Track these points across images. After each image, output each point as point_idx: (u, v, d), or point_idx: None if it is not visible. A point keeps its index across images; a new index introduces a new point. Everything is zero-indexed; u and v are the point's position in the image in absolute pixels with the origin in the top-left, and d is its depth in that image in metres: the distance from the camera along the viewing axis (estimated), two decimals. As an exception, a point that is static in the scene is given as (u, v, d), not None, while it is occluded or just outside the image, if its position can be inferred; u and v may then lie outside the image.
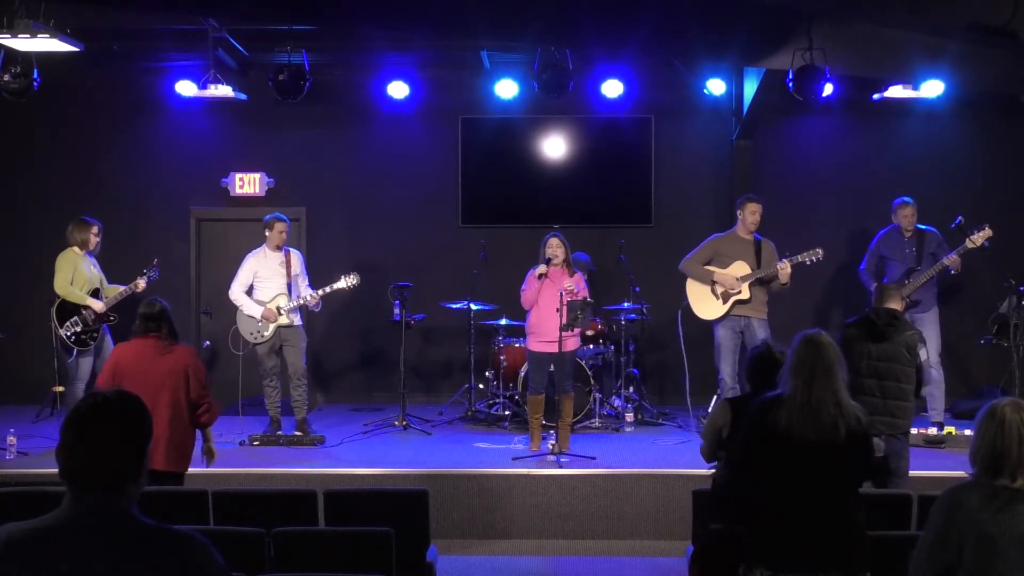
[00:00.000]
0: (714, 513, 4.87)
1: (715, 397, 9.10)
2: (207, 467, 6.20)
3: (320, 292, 8.51)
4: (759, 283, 8.22)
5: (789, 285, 8.16)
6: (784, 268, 8.02)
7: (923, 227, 8.66)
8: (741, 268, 8.24)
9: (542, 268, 7.88)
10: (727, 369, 8.19)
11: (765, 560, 3.90)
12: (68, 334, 8.29)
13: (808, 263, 8.10)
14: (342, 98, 10.40)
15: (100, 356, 8.42)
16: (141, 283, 8.44)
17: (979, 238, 8.13)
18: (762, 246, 8.32)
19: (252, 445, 8.22)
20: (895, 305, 6.32)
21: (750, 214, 8.31)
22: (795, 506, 3.87)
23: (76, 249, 8.43)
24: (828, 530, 3.86)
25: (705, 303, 8.36)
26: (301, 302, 8.50)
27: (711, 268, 8.33)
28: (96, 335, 8.38)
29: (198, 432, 6.01)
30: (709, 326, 8.40)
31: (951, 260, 8.27)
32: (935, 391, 8.56)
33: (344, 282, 8.54)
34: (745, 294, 8.21)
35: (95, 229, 8.52)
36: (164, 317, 5.81)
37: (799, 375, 3.89)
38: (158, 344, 5.75)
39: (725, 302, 8.25)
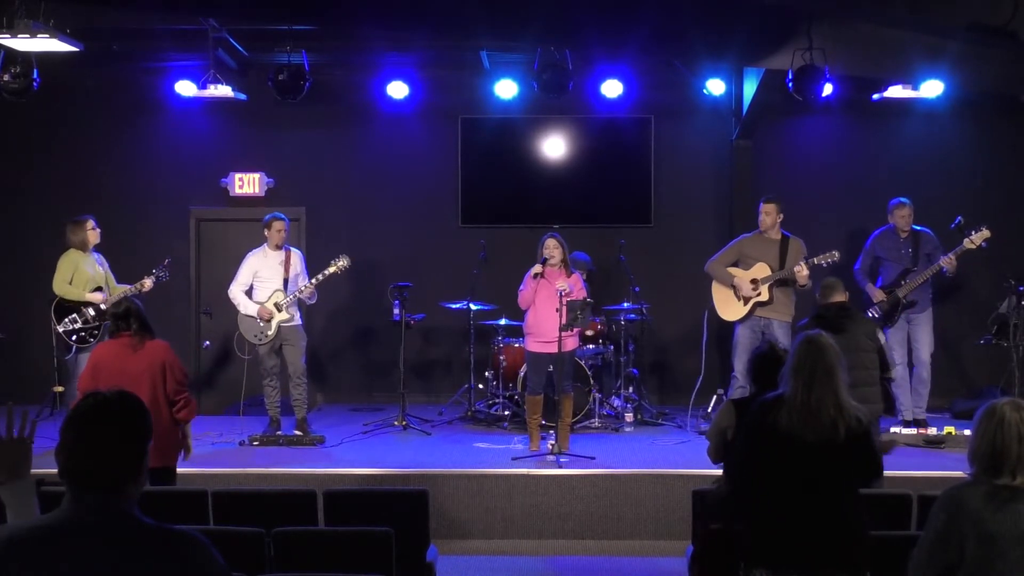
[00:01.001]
0: (715, 513, 4.87)
1: (716, 395, 9.12)
2: (183, 463, 6.17)
3: (314, 281, 8.51)
4: (781, 284, 8.23)
5: (810, 285, 8.16)
6: (800, 270, 8.03)
7: (919, 228, 8.66)
8: (762, 270, 8.26)
9: (537, 268, 7.89)
10: (740, 367, 8.22)
11: (765, 560, 3.90)
12: (66, 331, 8.31)
13: (824, 265, 8.09)
14: (342, 98, 10.40)
15: None
16: (147, 282, 8.44)
17: (977, 239, 8.13)
18: (789, 245, 8.31)
19: (252, 445, 8.22)
20: (840, 298, 6.51)
21: (763, 215, 8.36)
22: (795, 506, 3.88)
23: (78, 250, 8.46)
24: (828, 530, 3.86)
25: (727, 305, 8.42)
26: (298, 295, 8.50)
27: (733, 270, 8.36)
28: (96, 332, 8.39)
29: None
30: (724, 326, 8.45)
31: (946, 261, 8.27)
32: (922, 390, 8.61)
33: (335, 266, 8.53)
34: (764, 295, 8.22)
35: (89, 224, 8.53)
36: (132, 314, 5.85)
37: (799, 376, 3.91)
38: (131, 342, 5.80)
39: (746, 304, 8.28)
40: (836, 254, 8.08)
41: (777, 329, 8.17)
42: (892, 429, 8.22)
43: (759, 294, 8.24)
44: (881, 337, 6.43)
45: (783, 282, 8.24)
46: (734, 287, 8.34)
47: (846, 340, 6.09)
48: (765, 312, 8.26)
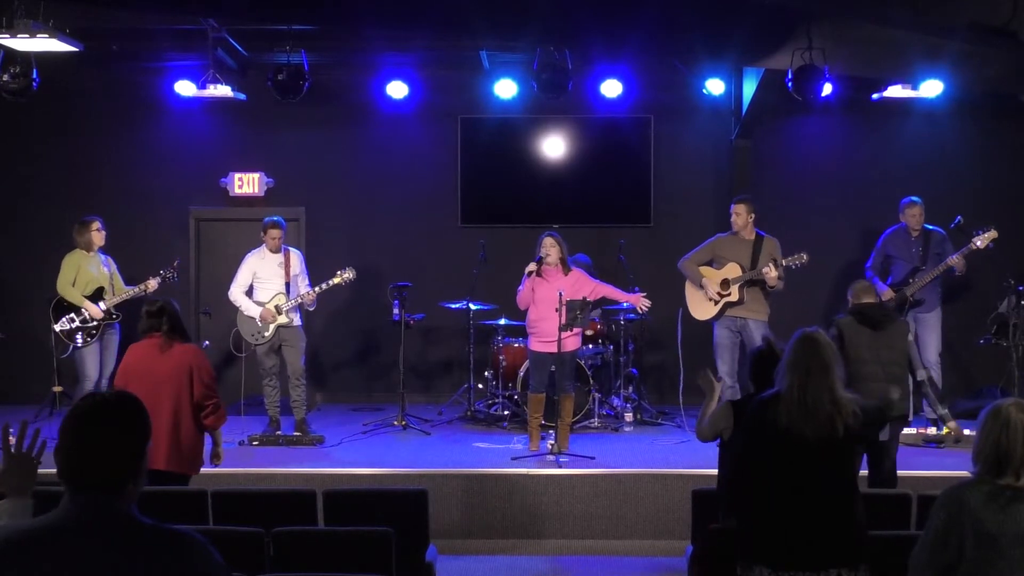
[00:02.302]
0: (714, 512, 4.87)
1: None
2: (212, 468, 6.18)
3: (317, 289, 8.52)
4: (753, 284, 8.20)
5: (780, 287, 8.13)
6: (768, 271, 7.98)
7: (930, 227, 8.66)
8: (733, 270, 8.23)
9: (531, 266, 7.89)
10: (724, 368, 8.20)
11: (765, 558, 3.91)
12: (63, 330, 8.33)
13: (794, 267, 8.05)
14: (342, 98, 10.39)
15: (108, 352, 8.47)
16: (152, 283, 8.41)
17: (984, 239, 8.12)
18: (763, 245, 8.25)
19: (252, 445, 8.23)
20: (873, 299, 6.65)
21: (733, 215, 8.30)
22: (795, 503, 3.89)
23: (82, 251, 8.48)
24: (828, 527, 3.88)
25: (699, 304, 8.40)
26: (300, 301, 8.50)
27: (704, 270, 8.34)
28: (95, 332, 8.40)
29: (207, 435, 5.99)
30: (709, 326, 8.43)
31: (954, 261, 8.27)
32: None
33: (340, 277, 8.54)
34: (734, 296, 8.18)
35: (95, 225, 8.55)
36: (165, 315, 5.75)
37: (795, 373, 3.94)
38: (159, 343, 5.72)
39: (716, 303, 8.26)
40: (804, 256, 8.02)
41: (754, 328, 8.11)
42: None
43: (729, 294, 8.21)
44: (909, 337, 6.51)
45: (755, 282, 8.20)
46: (703, 287, 8.33)
47: (885, 337, 6.29)
48: (739, 312, 8.21)
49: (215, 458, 6.10)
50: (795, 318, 8.84)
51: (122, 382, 5.69)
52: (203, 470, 6.27)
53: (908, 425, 8.42)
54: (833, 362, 3.95)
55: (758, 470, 3.97)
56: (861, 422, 3.93)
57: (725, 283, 8.24)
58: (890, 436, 6.33)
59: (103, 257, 8.66)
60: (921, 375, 6.51)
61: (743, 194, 8.63)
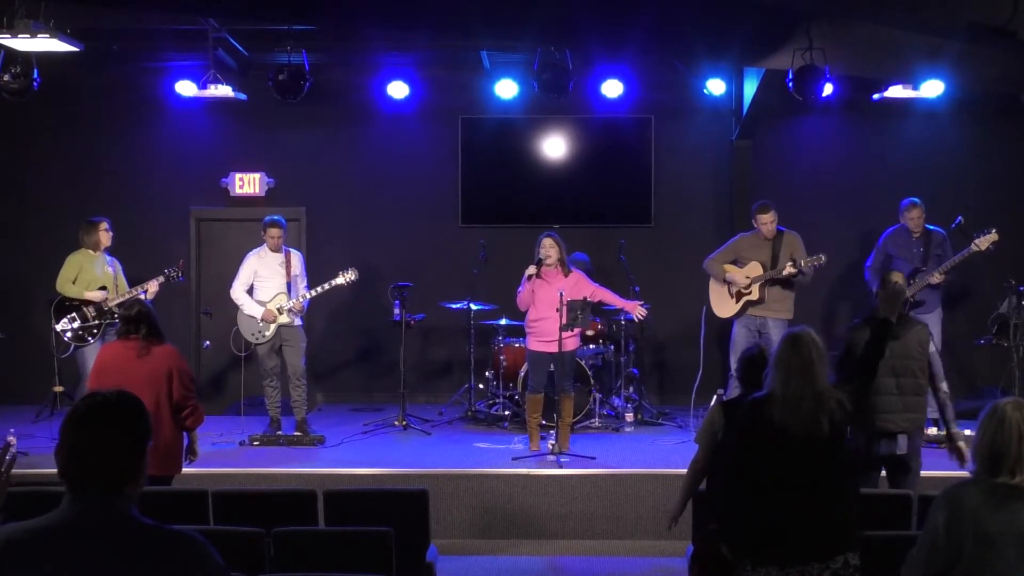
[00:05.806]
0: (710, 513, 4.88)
1: (716, 395, 9.12)
2: (189, 465, 6.17)
3: (319, 289, 8.52)
4: (777, 282, 8.28)
5: (806, 281, 8.25)
6: (789, 270, 8.12)
7: (932, 228, 8.66)
8: (754, 269, 8.34)
9: (531, 269, 7.89)
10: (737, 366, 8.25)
11: (770, 557, 3.93)
12: (64, 330, 8.33)
13: (812, 268, 8.17)
14: (342, 98, 10.39)
15: None
16: (153, 287, 8.36)
17: (984, 242, 8.10)
18: (783, 241, 8.38)
19: (252, 445, 8.23)
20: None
21: (761, 224, 8.41)
22: (792, 499, 3.92)
23: (88, 250, 8.49)
24: (826, 519, 3.92)
25: (722, 302, 8.54)
26: (301, 301, 8.50)
27: (727, 267, 8.43)
28: (96, 331, 8.39)
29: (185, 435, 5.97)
30: (724, 325, 8.51)
31: (937, 278, 8.23)
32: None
33: (342, 278, 8.54)
34: (755, 295, 8.28)
35: (103, 226, 8.57)
36: (143, 319, 5.76)
37: (778, 371, 4.01)
38: (138, 346, 5.72)
39: (738, 301, 8.35)
40: (823, 257, 8.13)
41: (772, 328, 8.20)
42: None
43: (750, 292, 8.29)
44: (931, 346, 6.02)
45: (778, 281, 8.27)
46: (727, 283, 8.39)
47: (900, 346, 5.72)
48: (759, 311, 8.32)
49: (191, 454, 6.06)
50: (795, 318, 8.90)
51: (96, 382, 5.68)
52: (202, 470, 6.28)
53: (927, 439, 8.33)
54: (815, 359, 3.98)
55: (754, 469, 4.01)
56: (848, 408, 3.97)
57: (747, 280, 8.36)
58: (909, 449, 5.93)
59: (108, 258, 8.66)
60: (943, 391, 6.04)
61: (764, 200, 8.61)
